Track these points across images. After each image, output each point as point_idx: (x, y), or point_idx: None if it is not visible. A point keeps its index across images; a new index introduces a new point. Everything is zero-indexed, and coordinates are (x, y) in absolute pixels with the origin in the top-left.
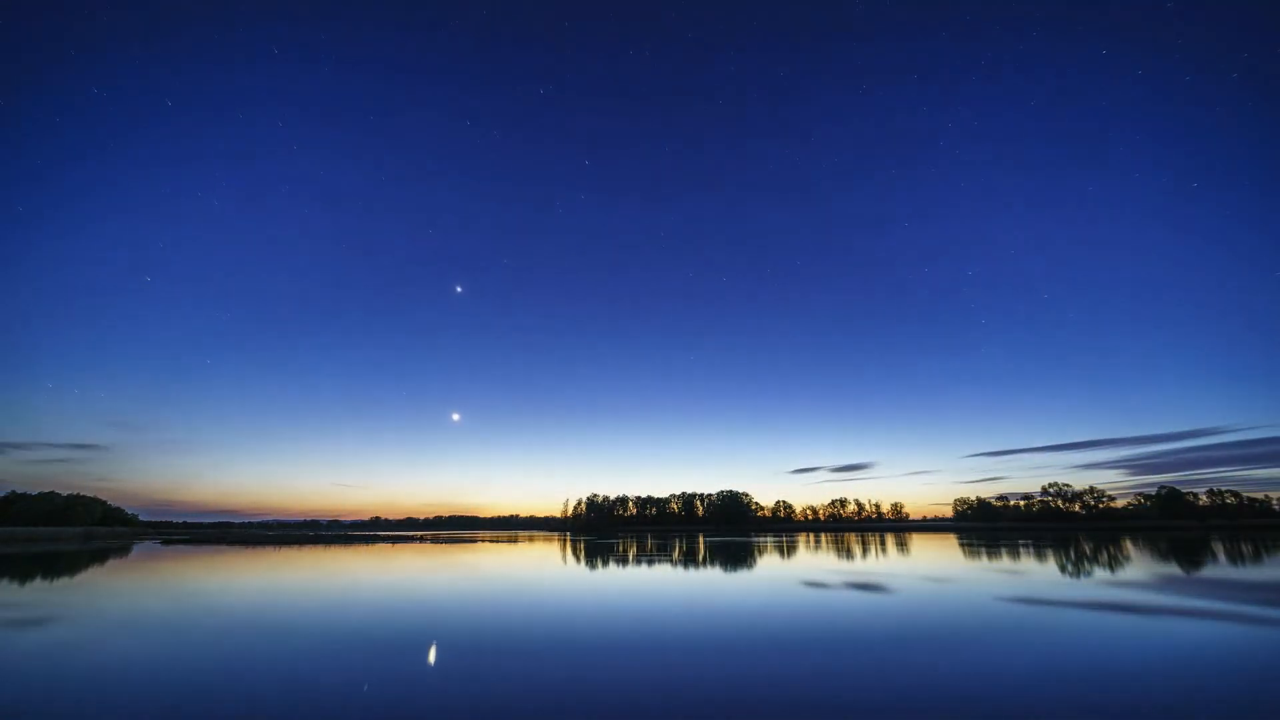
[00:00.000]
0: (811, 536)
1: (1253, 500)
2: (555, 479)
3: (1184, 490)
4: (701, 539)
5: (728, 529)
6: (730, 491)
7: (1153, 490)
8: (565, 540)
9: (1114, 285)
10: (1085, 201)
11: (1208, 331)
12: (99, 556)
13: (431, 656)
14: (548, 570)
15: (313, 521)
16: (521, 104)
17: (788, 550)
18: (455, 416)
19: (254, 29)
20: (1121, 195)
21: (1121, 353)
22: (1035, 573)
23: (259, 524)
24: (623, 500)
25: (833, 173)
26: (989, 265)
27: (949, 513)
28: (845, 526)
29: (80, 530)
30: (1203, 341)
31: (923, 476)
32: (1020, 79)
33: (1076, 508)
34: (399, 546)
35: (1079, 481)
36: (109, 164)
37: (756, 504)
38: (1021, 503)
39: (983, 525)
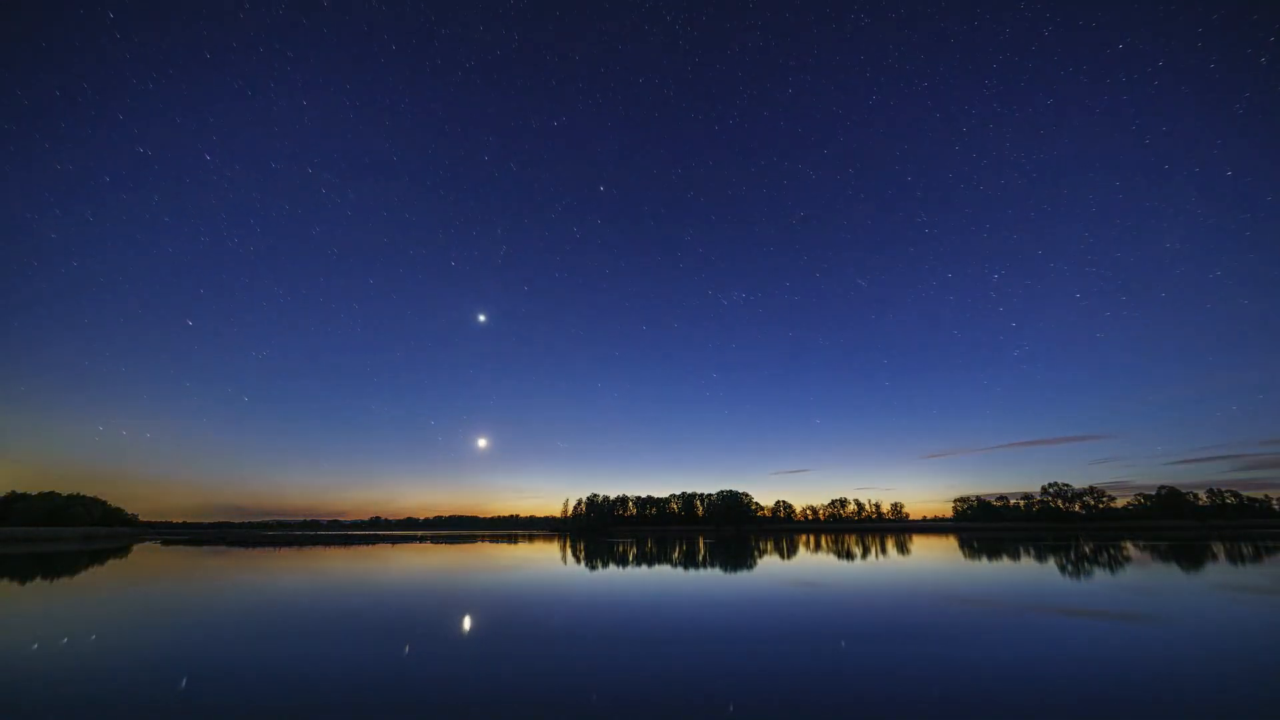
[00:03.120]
0: (811, 537)
1: (1253, 500)
2: (555, 479)
3: (1184, 490)
4: (701, 540)
5: (728, 529)
6: (730, 491)
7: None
8: (565, 540)
9: (1147, 283)
10: (1112, 200)
11: (1248, 327)
12: (99, 557)
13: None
14: (550, 568)
15: (313, 521)
16: (537, 136)
17: (787, 551)
18: (481, 443)
19: (283, 83)
20: (1148, 191)
21: (1157, 351)
22: (1032, 574)
23: (258, 524)
24: (622, 500)
25: (847, 183)
26: (1015, 269)
27: (949, 513)
28: (845, 527)
29: (80, 530)
30: (1242, 338)
31: (944, 481)
32: (1035, 79)
33: (1076, 508)
34: (399, 547)
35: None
36: (154, 216)
37: (756, 504)
38: (1021, 502)
39: (983, 525)
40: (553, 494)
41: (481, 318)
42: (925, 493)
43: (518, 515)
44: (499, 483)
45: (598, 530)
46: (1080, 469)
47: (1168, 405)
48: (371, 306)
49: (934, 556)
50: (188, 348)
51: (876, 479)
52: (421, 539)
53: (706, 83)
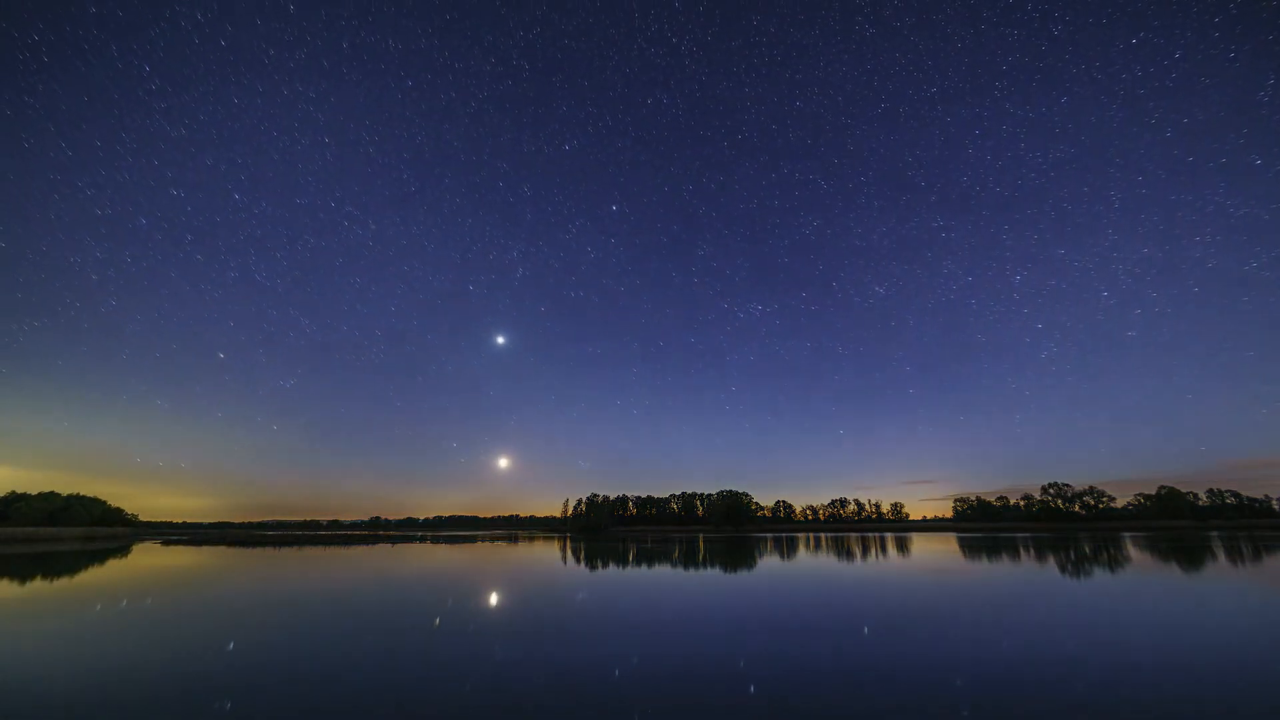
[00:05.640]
0: (811, 537)
1: (1253, 500)
2: (555, 479)
3: (1184, 490)
4: (701, 539)
5: (728, 529)
6: (730, 491)
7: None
8: (565, 540)
9: (1179, 279)
10: (1135, 195)
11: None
12: (100, 556)
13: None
14: (555, 567)
15: (312, 522)
16: (549, 161)
17: (787, 550)
18: (503, 462)
19: (306, 123)
20: (1173, 185)
21: (1191, 347)
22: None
23: (257, 525)
24: (622, 500)
25: (859, 191)
26: (1038, 269)
27: (949, 512)
28: (845, 527)
29: (80, 530)
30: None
31: (963, 483)
32: (1047, 78)
33: (1076, 508)
34: (399, 547)
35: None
36: (187, 255)
37: (756, 504)
38: (1021, 502)
39: (982, 526)
40: (553, 494)
41: (500, 339)
42: (931, 493)
43: (518, 515)
44: (509, 491)
45: (598, 530)
46: (1105, 466)
47: (1201, 403)
48: (394, 333)
49: (937, 558)
50: (219, 379)
51: (890, 483)
52: (422, 539)
53: (714, 100)
